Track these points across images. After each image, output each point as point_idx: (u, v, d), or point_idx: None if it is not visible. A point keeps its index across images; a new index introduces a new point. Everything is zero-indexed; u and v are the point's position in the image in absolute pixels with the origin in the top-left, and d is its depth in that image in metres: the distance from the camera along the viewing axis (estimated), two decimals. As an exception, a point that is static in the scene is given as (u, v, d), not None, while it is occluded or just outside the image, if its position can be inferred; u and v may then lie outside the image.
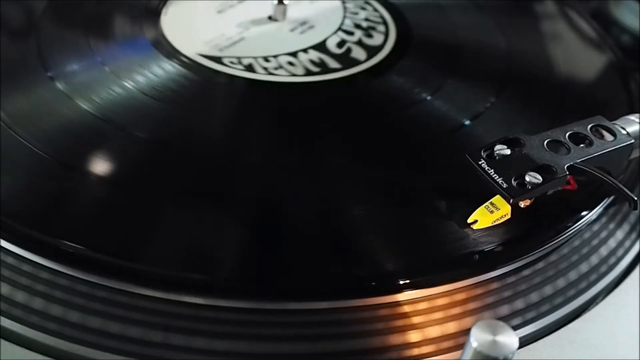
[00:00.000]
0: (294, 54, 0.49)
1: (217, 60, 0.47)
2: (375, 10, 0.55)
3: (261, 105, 0.45)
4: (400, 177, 0.40)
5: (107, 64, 0.46)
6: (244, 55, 0.48)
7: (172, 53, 0.47)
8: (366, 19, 0.53)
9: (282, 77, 0.46)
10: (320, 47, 0.50)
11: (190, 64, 0.46)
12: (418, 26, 0.53)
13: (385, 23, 0.53)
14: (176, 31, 0.49)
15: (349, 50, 0.50)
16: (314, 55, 0.49)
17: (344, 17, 0.54)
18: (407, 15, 0.54)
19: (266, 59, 0.48)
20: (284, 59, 0.48)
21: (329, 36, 0.51)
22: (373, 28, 0.52)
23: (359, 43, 0.50)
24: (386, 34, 0.52)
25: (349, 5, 0.55)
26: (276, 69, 0.47)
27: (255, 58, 0.48)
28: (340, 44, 0.50)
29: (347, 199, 0.38)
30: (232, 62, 0.47)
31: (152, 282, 0.33)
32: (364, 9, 0.55)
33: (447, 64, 0.50)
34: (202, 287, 0.34)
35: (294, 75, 0.46)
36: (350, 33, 0.51)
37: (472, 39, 0.53)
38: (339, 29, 0.52)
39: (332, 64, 0.48)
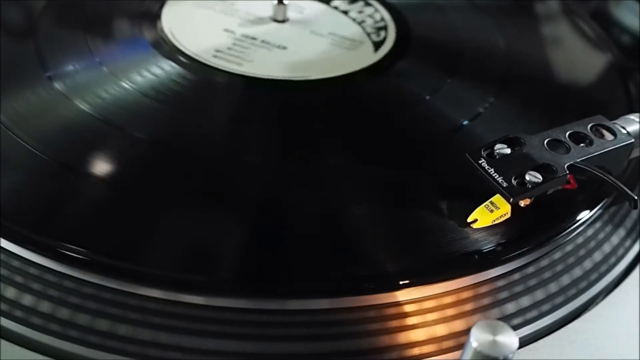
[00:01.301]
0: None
1: (217, 60, 0.47)
2: (375, 10, 0.55)
3: (261, 104, 0.45)
4: (400, 177, 0.40)
5: (105, 65, 0.46)
6: (243, 55, 0.48)
7: (171, 53, 0.47)
8: (365, 20, 0.53)
9: (281, 77, 0.46)
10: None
11: (190, 64, 0.46)
12: (418, 26, 0.53)
13: (385, 23, 0.53)
14: (175, 31, 0.49)
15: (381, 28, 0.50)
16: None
17: (345, 18, 0.54)
18: (407, 15, 0.54)
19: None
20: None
21: (330, 36, 0.51)
22: (373, 28, 0.52)
23: (360, 42, 0.50)
24: (386, 34, 0.52)
25: (349, 5, 0.55)
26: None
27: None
28: (341, 43, 0.50)
29: (347, 199, 0.38)
30: (231, 62, 0.47)
31: (152, 283, 0.33)
32: (363, 9, 0.55)
33: (446, 64, 0.49)
34: (202, 287, 0.34)
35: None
36: (350, 34, 0.52)
37: (471, 39, 0.53)
38: (339, 29, 0.52)
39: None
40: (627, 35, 0.60)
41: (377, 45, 0.50)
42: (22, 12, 0.52)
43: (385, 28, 0.53)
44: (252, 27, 0.52)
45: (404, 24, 0.53)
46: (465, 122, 0.44)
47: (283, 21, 0.52)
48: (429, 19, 0.55)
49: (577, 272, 0.38)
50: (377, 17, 0.54)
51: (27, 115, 0.42)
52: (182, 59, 0.47)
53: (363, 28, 0.52)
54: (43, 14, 0.51)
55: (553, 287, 0.37)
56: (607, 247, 0.40)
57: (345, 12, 0.54)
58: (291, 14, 0.53)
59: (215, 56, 0.47)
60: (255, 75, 0.46)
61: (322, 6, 0.55)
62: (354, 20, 0.53)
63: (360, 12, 0.54)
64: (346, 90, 0.47)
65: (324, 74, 0.47)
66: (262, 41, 0.50)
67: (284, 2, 0.52)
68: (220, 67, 0.46)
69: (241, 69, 0.46)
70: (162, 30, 0.49)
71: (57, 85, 0.44)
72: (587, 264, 0.39)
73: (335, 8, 0.55)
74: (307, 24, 0.53)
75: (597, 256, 0.39)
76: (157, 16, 0.51)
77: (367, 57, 0.49)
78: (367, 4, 0.55)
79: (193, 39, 0.49)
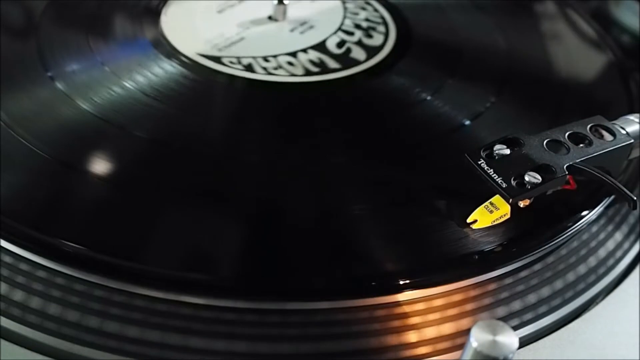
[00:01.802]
0: (293, 54, 0.49)
1: (217, 60, 0.47)
2: (376, 10, 0.55)
3: (261, 105, 0.45)
4: (400, 177, 0.40)
5: (107, 64, 0.46)
6: (243, 55, 0.48)
7: (172, 53, 0.47)
8: (366, 19, 0.53)
9: (281, 77, 0.46)
10: (320, 47, 0.50)
11: (190, 64, 0.46)
12: (418, 26, 0.53)
13: (385, 23, 0.53)
14: (176, 31, 0.49)
15: (348, 50, 0.49)
16: (314, 55, 0.49)
17: (344, 17, 0.54)
18: (407, 15, 0.54)
19: (266, 59, 0.48)
20: (283, 59, 0.48)
21: (329, 36, 0.51)
22: (373, 28, 0.52)
23: (359, 43, 0.50)
24: (386, 34, 0.52)
25: (349, 5, 0.55)
26: (275, 68, 0.47)
27: (254, 58, 0.48)
28: (340, 44, 0.50)
29: (347, 199, 0.38)
30: (231, 62, 0.47)
31: (152, 282, 0.33)
32: (364, 9, 0.55)
33: (447, 64, 0.50)
34: (202, 287, 0.34)
35: (293, 75, 0.46)
36: (350, 33, 0.51)
37: (472, 39, 0.53)
38: (339, 29, 0.52)
39: (332, 64, 0.48)
40: (627, 35, 0.60)
41: (378, 45, 0.50)
42: (24, 11, 0.52)
43: (385, 28, 0.53)
44: (252, 27, 0.52)
45: (404, 24, 0.53)
46: (466, 122, 0.44)
47: (283, 21, 0.52)
48: (429, 18, 0.55)
49: (577, 272, 0.38)
50: (377, 17, 0.54)
51: (28, 114, 0.42)
52: (182, 58, 0.47)
53: (363, 28, 0.52)
54: (44, 13, 0.51)
55: (553, 287, 0.37)
56: (607, 248, 0.40)
57: (345, 12, 0.54)
58: (291, 14, 0.53)
59: (215, 56, 0.47)
60: (255, 76, 0.46)
61: (322, 6, 0.55)
62: (353, 20, 0.53)
63: (360, 12, 0.54)
64: (346, 91, 0.47)
65: (324, 74, 0.47)
66: (262, 41, 0.50)
67: (284, 2, 0.52)
68: (220, 67, 0.46)
69: (283, 74, 0.46)
70: (162, 30, 0.49)
71: (59, 84, 0.44)
72: (587, 264, 0.39)
73: (336, 8, 0.55)
74: (307, 23, 0.53)
75: (597, 256, 0.39)
76: (157, 16, 0.51)
77: (368, 57, 0.49)
78: (367, 4, 0.55)
79: (194, 38, 0.49)
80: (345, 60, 0.48)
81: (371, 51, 0.50)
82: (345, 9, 0.55)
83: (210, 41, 0.49)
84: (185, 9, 0.53)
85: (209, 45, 0.49)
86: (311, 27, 0.52)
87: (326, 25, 0.53)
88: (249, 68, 0.47)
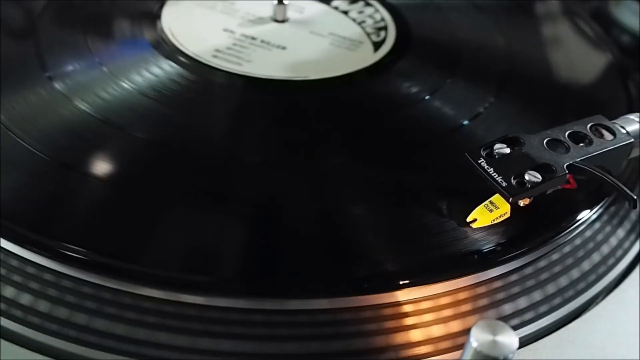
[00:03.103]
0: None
1: (214, 57, 0.47)
2: (376, 10, 0.55)
3: (260, 105, 0.45)
4: (399, 177, 0.40)
5: (105, 65, 0.46)
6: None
7: (170, 53, 0.47)
8: (365, 20, 0.53)
9: (281, 77, 0.46)
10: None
11: (190, 64, 0.46)
12: (418, 26, 0.53)
13: (384, 23, 0.53)
14: (175, 31, 0.49)
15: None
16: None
17: (345, 18, 0.54)
18: (407, 15, 0.54)
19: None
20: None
21: (330, 36, 0.51)
22: (373, 28, 0.52)
23: (360, 42, 0.50)
24: (386, 34, 0.52)
25: (349, 6, 0.55)
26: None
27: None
28: (341, 43, 0.50)
29: (347, 199, 0.38)
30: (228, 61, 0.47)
31: (152, 283, 0.33)
32: (363, 9, 0.55)
33: (446, 64, 0.49)
34: (202, 287, 0.34)
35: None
36: (350, 34, 0.51)
37: (471, 38, 0.53)
38: (339, 29, 0.52)
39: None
40: (627, 35, 0.60)
41: (377, 45, 0.50)
42: (23, 11, 0.52)
43: (385, 28, 0.53)
44: (251, 27, 0.52)
45: (404, 24, 0.53)
46: (465, 122, 0.44)
47: (283, 21, 0.52)
48: (429, 18, 0.55)
49: (577, 272, 0.38)
50: (377, 17, 0.54)
51: (27, 115, 0.42)
52: (181, 59, 0.47)
53: (363, 28, 0.52)
54: (43, 13, 0.51)
55: (553, 287, 0.37)
56: (607, 247, 0.40)
57: (345, 12, 0.54)
58: (291, 14, 0.53)
59: (215, 56, 0.47)
60: (255, 75, 0.46)
61: (322, 6, 0.55)
62: (353, 20, 0.53)
63: (360, 12, 0.54)
64: (346, 90, 0.47)
65: (324, 74, 0.47)
66: (262, 41, 0.50)
67: (284, 2, 0.52)
68: (219, 67, 0.46)
69: (241, 69, 0.46)
70: (162, 30, 0.49)
71: (57, 85, 0.44)
72: (587, 264, 0.39)
73: (336, 8, 0.55)
74: (307, 24, 0.53)
75: (597, 256, 0.39)
76: (157, 16, 0.51)
77: (367, 57, 0.49)
78: (367, 4, 0.55)
79: (193, 38, 0.49)
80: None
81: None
82: (345, 9, 0.55)
83: (210, 41, 0.49)
84: (184, 9, 0.52)
85: (209, 46, 0.49)
86: (311, 29, 0.52)
87: (326, 25, 0.53)
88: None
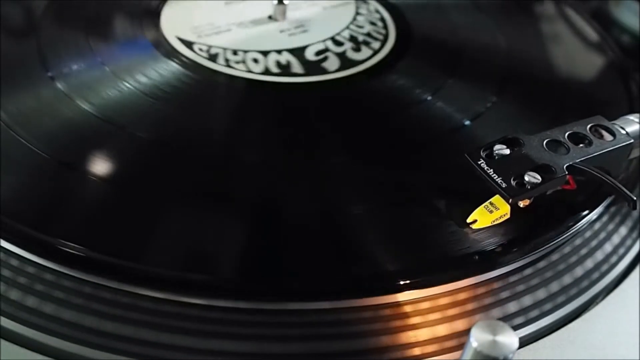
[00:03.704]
0: (265, 53, 0.49)
1: (189, 45, 0.48)
2: (376, 10, 0.55)
3: (261, 105, 0.45)
4: (400, 177, 0.40)
5: (107, 64, 0.46)
6: (216, 45, 0.48)
7: (171, 53, 0.47)
8: (365, 20, 0.53)
9: (281, 77, 0.46)
10: (296, 52, 0.49)
11: (190, 64, 0.46)
12: (418, 26, 0.53)
13: (385, 23, 0.53)
14: (176, 31, 0.49)
15: (324, 59, 0.49)
16: (285, 57, 0.48)
17: (346, 27, 0.53)
18: (407, 15, 0.54)
19: (235, 52, 0.48)
20: (251, 55, 0.48)
21: (315, 43, 0.50)
22: (373, 28, 0.52)
23: (341, 55, 0.49)
24: (386, 34, 0.52)
25: (361, 11, 0.55)
26: (237, 62, 0.47)
27: (225, 49, 0.48)
28: (319, 53, 0.49)
29: (348, 199, 0.38)
30: (200, 49, 0.48)
31: (153, 283, 0.33)
32: (372, 23, 0.54)
33: (447, 64, 0.50)
34: (203, 287, 0.34)
35: (250, 72, 0.46)
36: (340, 44, 0.51)
37: (472, 38, 0.53)
38: (331, 38, 0.51)
39: (297, 69, 0.47)
40: (627, 35, 0.60)
41: (377, 45, 0.50)
42: (24, 11, 0.52)
43: (385, 28, 0.53)
44: (251, 27, 0.52)
45: (404, 24, 0.53)
46: (466, 122, 0.44)
47: (283, 21, 0.52)
48: (429, 18, 0.55)
49: (577, 272, 0.38)
50: (377, 17, 0.54)
51: (28, 114, 0.42)
52: (182, 58, 0.47)
53: (359, 14, 0.52)
54: (45, 13, 0.51)
55: (553, 287, 0.37)
56: (607, 247, 0.40)
57: (351, 23, 0.54)
58: (291, 14, 0.53)
59: (189, 40, 0.47)
60: (255, 76, 0.46)
61: (322, 6, 0.55)
62: (354, 20, 0.53)
63: (360, 12, 0.54)
64: (346, 90, 0.47)
65: (324, 75, 0.47)
66: (282, 43, 0.50)
67: (284, 2, 0.52)
68: (220, 67, 0.46)
69: (241, 69, 0.46)
70: (162, 30, 0.49)
71: (59, 84, 0.44)
72: (587, 264, 0.39)
73: (336, 8, 0.55)
74: (307, 23, 0.53)
75: (597, 256, 0.39)
76: (157, 16, 0.51)
77: (367, 57, 0.49)
78: (367, 4, 0.55)
79: (193, 38, 0.49)
80: (314, 68, 0.48)
81: (348, 63, 0.48)
82: (354, 17, 0.54)
83: (196, 27, 0.49)
84: (184, 9, 0.53)
85: (191, 30, 0.49)
86: (305, 31, 0.52)
87: (326, 25, 0.53)
88: (213, 58, 0.47)
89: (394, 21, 0.53)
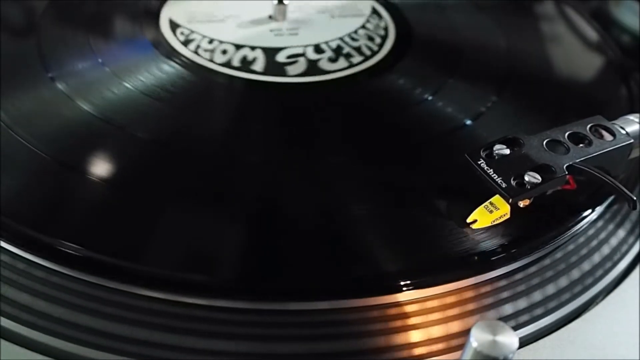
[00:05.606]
0: (239, 47, 0.49)
1: (174, 28, 0.49)
2: (384, 28, 0.54)
3: (261, 105, 0.45)
4: (400, 177, 0.40)
5: (107, 65, 0.46)
6: (199, 32, 0.49)
7: (171, 53, 0.47)
8: (357, 39, 0.52)
9: (281, 77, 0.46)
10: (269, 52, 0.49)
11: (190, 64, 0.46)
12: (418, 26, 0.53)
13: (385, 23, 0.53)
14: (173, 12, 0.50)
15: (292, 63, 0.48)
16: (254, 54, 0.48)
17: (345, 18, 0.53)
18: (408, 15, 0.54)
19: (210, 41, 0.49)
20: (223, 47, 0.48)
21: (292, 47, 0.50)
22: (373, 28, 0.52)
23: (313, 63, 0.49)
24: (386, 34, 0.52)
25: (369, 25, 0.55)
26: (205, 51, 0.47)
27: (203, 37, 0.49)
28: (292, 56, 0.49)
29: (347, 199, 0.38)
30: (182, 33, 0.49)
31: (152, 283, 0.33)
32: (369, 27, 0.54)
33: (447, 64, 0.50)
34: (202, 287, 0.34)
35: (211, 61, 0.47)
36: (321, 51, 0.50)
37: (472, 38, 0.53)
38: (315, 44, 0.51)
39: (258, 67, 0.47)
40: (627, 35, 0.60)
41: (377, 45, 0.50)
42: (24, 11, 0.52)
43: (385, 28, 0.53)
44: (251, 27, 0.52)
45: (405, 23, 0.53)
46: (467, 122, 0.44)
47: (283, 21, 0.52)
48: (429, 18, 0.55)
49: (578, 272, 0.38)
50: (381, 33, 0.54)
51: (28, 115, 0.42)
52: (182, 58, 0.47)
53: (363, 28, 0.52)
54: (45, 13, 0.51)
55: (553, 287, 0.37)
56: (607, 248, 0.40)
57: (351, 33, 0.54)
58: (291, 14, 0.53)
59: (177, 23, 0.48)
60: (255, 76, 0.46)
61: (322, 6, 0.55)
62: (353, 32, 0.53)
63: (367, 26, 0.54)
64: (346, 90, 0.47)
65: (324, 74, 0.47)
66: (262, 41, 0.50)
67: (284, 2, 0.52)
68: (186, 52, 0.46)
69: (204, 58, 0.46)
70: (162, 30, 0.49)
71: (59, 84, 0.44)
72: (588, 264, 0.39)
73: (344, 18, 0.55)
74: (307, 24, 0.53)
75: (597, 256, 0.39)
76: (157, 16, 0.51)
77: (367, 57, 0.49)
78: (379, 20, 0.55)
79: (193, 37, 0.49)
80: (275, 69, 0.47)
81: (312, 70, 0.48)
82: (355, 30, 0.54)
83: (193, 12, 0.50)
84: (184, 9, 0.53)
85: (186, 15, 0.50)
86: (294, 34, 0.51)
87: (326, 25, 0.53)
88: (186, 42, 0.48)
89: (394, 21, 0.53)
